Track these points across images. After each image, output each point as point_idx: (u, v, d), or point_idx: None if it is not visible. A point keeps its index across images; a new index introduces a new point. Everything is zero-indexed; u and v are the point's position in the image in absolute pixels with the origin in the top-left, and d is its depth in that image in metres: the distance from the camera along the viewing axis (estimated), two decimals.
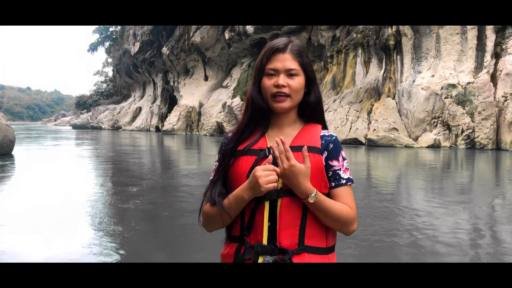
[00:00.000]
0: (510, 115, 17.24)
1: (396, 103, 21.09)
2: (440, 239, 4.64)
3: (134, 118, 52.11)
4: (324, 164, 1.46)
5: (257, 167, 1.38)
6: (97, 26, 65.91)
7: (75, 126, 61.11)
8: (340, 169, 1.47)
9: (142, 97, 54.72)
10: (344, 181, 1.47)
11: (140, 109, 52.37)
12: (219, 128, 34.88)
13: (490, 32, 18.90)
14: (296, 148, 1.45)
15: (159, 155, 17.70)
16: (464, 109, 18.62)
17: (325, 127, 1.57)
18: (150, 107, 49.37)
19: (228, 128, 33.59)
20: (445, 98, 19.12)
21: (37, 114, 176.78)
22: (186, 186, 8.52)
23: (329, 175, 1.46)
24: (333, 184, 1.46)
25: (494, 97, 18.04)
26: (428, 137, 19.23)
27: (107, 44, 66.64)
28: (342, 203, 1.44)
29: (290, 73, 1.47)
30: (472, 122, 18.27)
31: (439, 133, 19.25)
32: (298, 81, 1.48)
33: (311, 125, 1.55)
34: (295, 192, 1.38)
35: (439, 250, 4.25)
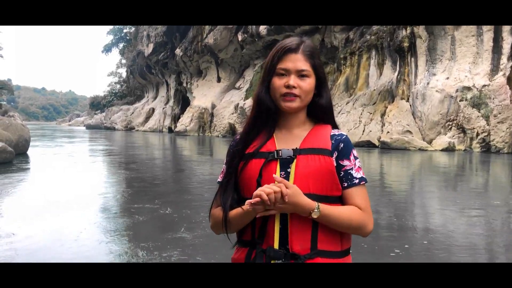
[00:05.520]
0: None
1: (410, 105, 20.92)
2: (454, 247, 4.58)
3: (147, 119, 52.48)
4: (336, 164, 1.42)
5: (259, 188, 1.31)
6: (111, 27, 66.62)
7: (88, 127, 61.72)
8: (352, 169, 1.44)
9: (155, 98, 55.09)
10: (357, 181, 1.43)
11: (153, 110, 52.72)
12: (232, 130, 34.95)
13: (506, 34, 18.64)
14: (306, 151, 1.42)
15: (172, 156, 17.78)
16: (479, 112, 18.39)
17: (335, 127, 1.53)
18: (163, 108, 49.68)
19: (240, 129, 33.56)
20: (460, 100, 18.90)
21: (52, 114, 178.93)
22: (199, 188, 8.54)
23: (341, 175, 1.43)
24: (346, 184, 1.42)
25: (510, 100, 17.79)
26: (442, 140, 19.03)
27: (121, 45, 67.32)
28: (352, 207, 1.41)
29: (301, 74, 1.44)
30: (488, 125, 18.04)
31: (453, 136, 19.04)
32: (309, 83, 1.45)
33: (320, 125, 1.52)
34: (299, 213, 1.34)
35: (452, 258, 4.20)
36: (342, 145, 1.45)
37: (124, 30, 66.28)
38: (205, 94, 41.44)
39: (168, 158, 17.12)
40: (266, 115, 1.49)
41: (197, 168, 12.55)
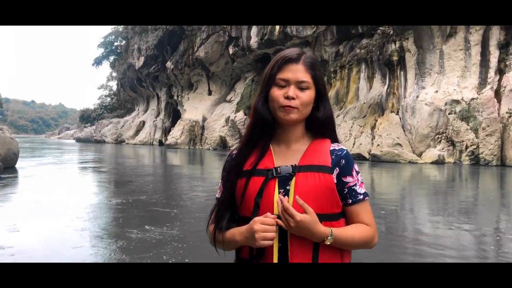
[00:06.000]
0: None
1: (400, 118, 21.08)
2: (445, 258, 4.57)
3: (137, 132, 52.28)
4: (337, 181, 1.39)
5: (256, 219, 1.30)
6: (102, 40, 66.60)
7: (78, 140, 61.34)
8: (355, 185, 1.42)
9: (145, 111, 54.98)
10: (361, 197, 1.42)
11: (143, 123, 52.57)
12: (222, 143, 34.91)
13: (493, 48, 18.95)
14: (305, 168, 1.38)
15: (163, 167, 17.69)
16: (468, 125, 18.57)
17: (335, 140, 1.49)
18: (154, 121, 49.57)
19: (231, 142, 33.61)
20: (449, 114, 19.09)
21: (41, 127, 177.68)
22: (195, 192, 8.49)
23: (345, 192, 1.40)
24: (350, 201, 1.41)
25: (498, 113, 18.01)
26: (432, 153, 19.15)
27: (111, 58, 67.26)
28: (360, 225, 1.41)
29: (301, 86, 1.39)
30: (476, 138, 18.21)
31: (443, 149, 19.19)
32: (309, 95, 1.40)
33: (319, 140, 1.47)
34: (310, 239, 1.32)
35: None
36: (343, 162, 1.42)
37: (115, 43, 66.32)
38: (196, 107, 41.46)
39: (159, 173, 17.03)
40: (262, 127, 1.43)
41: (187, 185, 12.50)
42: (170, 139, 40.15)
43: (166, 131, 45.28)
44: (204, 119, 39.20)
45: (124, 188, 10.35)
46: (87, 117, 72.84)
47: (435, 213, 7.35)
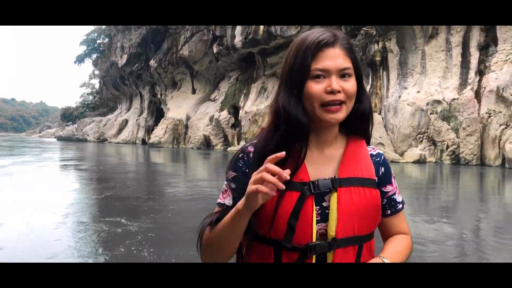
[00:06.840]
0: (493, 131, 17.48)
1: (382, 118, 21.28)
2: (426, 254, 4.63)
3: (120, 130, 51.81)
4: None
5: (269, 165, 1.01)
6: (84, 38, 65.88)
7: (60, 138, 60.54)
8: (394, 193, 1.26)
9: (128, 109, 54.50)
10: (400, 206, 1.28)
11: (126, 121, 52.12)
12: (206, 142, 34.79)
13: (474, 49, 19.24)
14: (347, 182, 1.15)
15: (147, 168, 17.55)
16: (449, 125, 18.83)
17: (368, 140, 1.28)
18: (137, 120, 49.17)
19: (215, 141, 33.49)
20: (431, 114, 19.33)
21: (22, 126, 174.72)
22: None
23: (384, 202, 1.23)
24: (389, 211, 1.25)
25: (478, 114, 18.29)
26: (413, 153, 19.38)
27: (94, 56, 66.51)
28: (400, 238, 1.26)
29: (342, 74, 1.13)
30: (457, 138, 18.47)
31: (424, 148, 19.43)
32: (353, 84, 1.15)
33: (354, 142, 1.24)
34: None
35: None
36: (383, 169, 1.24)
37: (98, 41, 65.60)
38: (179, 105, 41.22)
39: (140, 171, 16.91)
40: (298, 133, 1.15)
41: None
42: (153, 138, 39.87)
43: (149, 130, 44.93)
44: (188, 118, 39.00)
45: (103, 185, 10.27)
46: (68, 116, 71.84)
47: (416, 211, 7.44)
